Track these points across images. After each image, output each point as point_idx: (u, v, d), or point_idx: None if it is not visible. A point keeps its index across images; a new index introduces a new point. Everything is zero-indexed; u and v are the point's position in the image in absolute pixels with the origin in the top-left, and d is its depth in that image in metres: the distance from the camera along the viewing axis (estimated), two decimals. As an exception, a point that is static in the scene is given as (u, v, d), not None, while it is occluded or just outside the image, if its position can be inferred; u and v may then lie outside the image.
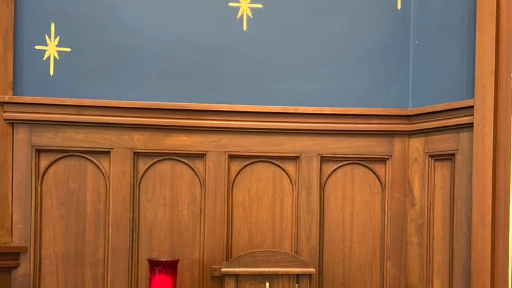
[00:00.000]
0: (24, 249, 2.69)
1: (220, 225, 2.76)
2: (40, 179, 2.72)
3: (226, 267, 2.55)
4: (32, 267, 2.70)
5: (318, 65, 2.80)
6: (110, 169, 2.74)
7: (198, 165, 2.77)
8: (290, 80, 2.79)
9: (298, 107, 2.76)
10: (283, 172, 2.80)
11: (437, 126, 2.68)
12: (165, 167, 2.77)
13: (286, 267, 2.55)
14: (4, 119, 2.67)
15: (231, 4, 2.78)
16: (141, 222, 2.76)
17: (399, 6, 2.82)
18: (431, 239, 2.72)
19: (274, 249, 2.71)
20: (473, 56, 2.50)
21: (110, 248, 2.73)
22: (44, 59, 2.71)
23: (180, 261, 2.65)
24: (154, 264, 2.53)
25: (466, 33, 2.56)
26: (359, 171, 2.83)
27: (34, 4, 2.70)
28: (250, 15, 2.78)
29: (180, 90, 2.76)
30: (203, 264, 2.76)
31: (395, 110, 2.78)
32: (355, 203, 2.83)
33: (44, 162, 2.73)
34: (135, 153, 2.75)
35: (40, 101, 2.68)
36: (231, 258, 2.75)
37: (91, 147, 2.73)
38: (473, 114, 2.50)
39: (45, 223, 2.73)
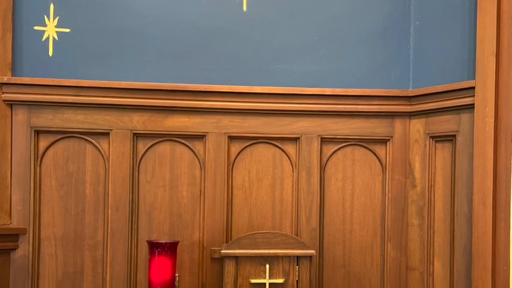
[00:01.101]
0: (23, 231, 2.68)
1: (220, 206, 2.75)
2: (39, 160, 2.71)
3: (226, 249, 2.54)
4: (31, 249, 2.69)
5: (318, 46, 2.78)
6: (109, 150, 2.73)
7: (197, 146, 2.76)
8: (290, 61, 2.78)
9: (299, 88, 2.75)
10: (283, 153, 2.79)
11: (438, 107, 2.67)
12: (165, 148, 2.76)
13: (286, 249, 2.54)
14: (3, 100, 2.66)
15: (231, -15, 2.78)
16: (141, 203, 2.75)
17: (400, -13, 2.81)
18: (432, 220, 2.71)
19: (274, 231, 2.69)
20: (474, 37, 2.49)
21: (109, 230, 2.72)
22: (43, 39, 2.70)
23: (179, 243, 2.63)
24: (153, 246, 2.52)
25: (467, 14, 2.55)
26: (359, 152, 2.82)
27: (33, -15, 2.70)
28: (250, -4, 2.78)
29: (180, 71, 2.75)
30: (203, 246, 2.75)
31: (396, 91, 2.77)
32: (355, 184, 2.82)
33: (43, 143, 2.72)
34: (134, 134, 2.74)
35: (39, 82, 2.67)
36: (230, 240, 2.74)
37: (90, 129, 2.72)
38: (474, 95, 2.49)
39: (44, 205, 2.72)
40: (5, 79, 2.65)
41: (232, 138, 2.77)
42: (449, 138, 2.66)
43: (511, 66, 2.40)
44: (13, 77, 2.67)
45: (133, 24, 2.73)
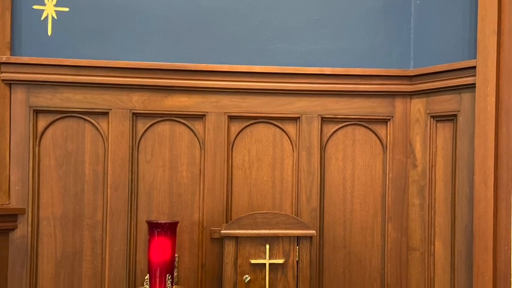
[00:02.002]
0: (22, 211, 2.67)
1: (220, 186, 2.74)
2: (38, 140, 2.70)
3: (226, 229, 2.52)
4: (29, 229, 2.67)
5: (319, 25, 2.77)
6: (109, 130, 2.71)
7: (197, 126, 2.75)
8: (290, 41, 2.77)
9: (299, 68, 2.74)
10: (283, 133, 2.78)
11: (439, 86, 2.66)
12: (164, 128, 2.75)
13: (286, 229, 2.52)
14: (1, 80, 2.65)
15: (231, -37, 2.76)
16: (140, 183, 2.74)
17: (400, -35, 2.80)
18: (432, 200, 2.70)
19: (275, 211, 2.68)
20: (476, 16, 2.48)
21: (108, 210, 2.71)
22: (41, 18, 2.68)
23: (179, 223, 2.62)
24: (153, 226, 2.51)
25: (468, -7, 2.54)
26: (360, 132, 2.81)
27: (32, -37, 2.68)
28: (250, -26, 2.77)
29: (179, 50, 2.73)
30: (203, 226, 2.74)
31: (396, 71, 2.76)
32: (356, 164, 2.81)
33: (42, 123, 2.70)
34: (134, 114, 2.72)
35: (38, 61, 2.65)
36: (230, 220, 2.73)
37: (89, 108, 2.71)
38: (475, 75, 2.48)
39: (43, 185, 2.70)
40: (4, 58, 2.63)
41: (232, 117, 2.76)
42: (450, 117, 2.65)
43: (512, 45, 2.40)
44: (12, 57, 2.65)
45: (133, 3, 2.72)
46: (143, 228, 2.71)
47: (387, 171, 2.79)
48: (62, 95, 2.69)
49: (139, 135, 2.74)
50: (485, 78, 2.44)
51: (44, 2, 2.68)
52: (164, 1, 2.72)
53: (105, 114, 2.71)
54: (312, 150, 2.76)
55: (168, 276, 2.49)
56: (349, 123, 2.80)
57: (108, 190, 2.71)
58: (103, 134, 2.72)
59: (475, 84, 2.49)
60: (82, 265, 2.72)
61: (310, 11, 2.77)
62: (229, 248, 2.52)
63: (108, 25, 2.71)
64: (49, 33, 2.68)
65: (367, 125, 2.80)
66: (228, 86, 2.72)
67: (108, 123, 2.71)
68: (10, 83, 2.67)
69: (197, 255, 2.75)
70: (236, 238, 2.52)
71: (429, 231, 2.71)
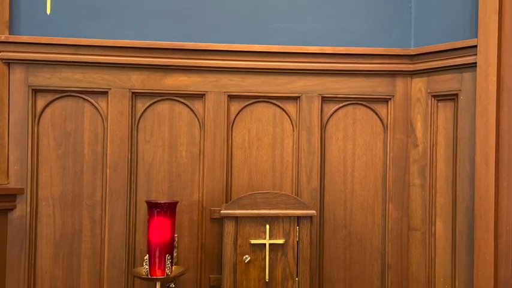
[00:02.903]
0: (21, 191, 2.66)
1: (220, 166, 2.72)
2: (37, 119, 2.68)
3: (225, 209, 2.51)
4: (28, 209, 2.66)
5: (319, 4, 2.76)
6: (108, 110, 2.70)
7: (197, 105, 2.74)
8: (291, 20, 2.75)
9: (299, 47, 2.72)
10: (283, 112, 2.77)
11: (440, 66, 2.65)
12: (164, 107, 2.74)
13: (286, 209, 2.50)
14: (0, 59, 2.63)
15: None
16: (139, 163, 2.73)
17: None
18: (433, 180, 2.69)
19: (275, 191, 2.66)
20: (477, -5, 2.47)
21: (107, 190, 2.69)
22: (40, -3, 2.67)
23: (178, 203, 2.61)
24: (152, 206, 2.50)
25: (469, -29, 2.53)
26: (360, 111, 2.79)
27: None
28: (250, -48, 2.75)
29: (179, 29, 2.72)
30: (202, 206, 2.73)
31: (397, 50, 2.75)
32: (356, 144, 2.80)
33: (41, 102, 2.69)
34: (133, 93, 2.71)
35: (37, 40, 2.64)
36: (230, 200, 2.72)
37: (88, 88, 2.69)
38: (476, 54, 2.47)
39: (42, 164, 2.69)
40: (3, 37, 2.62)
41: (231, 97, 2.74)
42: (451, 97, 2.64)
43: (514, 24, 2.39)
44: (11, 36, 2.64)
45: (132, -18, 2.71)
46: (142, 208, 2.70)
47: (388, 151, 2.78)
48: (60, 75, 2.68)
49: (139, 115, 2.72)
50: (487, 58, 2.43)
51: (42, -20, 2.67)
52: (164, -20, 2.72)
53: (104, 93, 2.70)
54: (312, 129, 2.75)
55: (167, 257, 2.48)
56: (349, 102, 2.78)
57: (108, 170, 2.69)
58: (102, 114, 2.71)
59: (476, 63, 2.48)
60: (81, 245, 2.71)
61: (311, -10, 2.76)
62: (229, 228, 2.50)
63: (108, 4, 2.70)
64: (48, 12, 2.63)
65: (367, 104, 2.78)
66: (228, 65, 2.71)
67: (108, 102, 2.70)
68: (9, 63, 2.65)
69: (197, 236, 2.74)
70: (236, 218, 2.50)
71: (430, 211, 2.70)
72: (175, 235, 2.63)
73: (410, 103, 2.76)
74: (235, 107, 2.75)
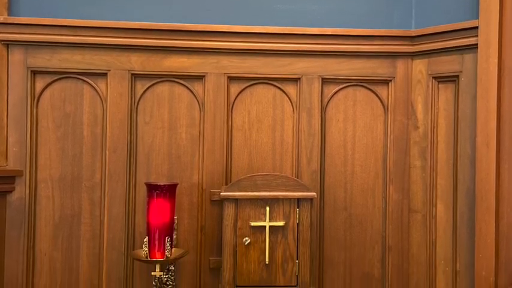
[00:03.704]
0: (20, 173, 2.64)
1: (220, 148, 2.71)
2: (36, 101, 2.67)
3: (225, 191, 2.49)
4: (27, 191, 2.65)
5: (320, -15, 2.75)
6: (107, 91, 2.69)
7: (196, 87, 2.72)
8: (291, 1, 2.74)
9: (299, 28, 2.71)
10: (283, 94, 2.75)
11: (440, 47, 2.64)
12: (163, 89, 2.72)
13: (286, 191, 2.49)
14: (-1, 40, 2.63)
15: None
16: (139, 145, 2.71)
17: None
18: (434, 162, 2.68)
19: (275, 173, 2.65)
20: (478, -24, 2.46)
21: (107, 172, 2.68)
22: (39, -22, 2.66)
23: (178, 185, 2.60)
24: (152, 188, 2.49)
25: (471, -49, 2.51)
26: (361, 93, 2.78)
27: None
28: None
29: (178, 10, 2.71)
30: (202, 188, 2.72)
31: (398, 31, 2.73)
32: (357, 125, 2.78)
33: (40, 84, 2.68)
34: (132, 74, 2.70)
35: (36, 21, 2.62)
36: (230, 182, 2.71)
37: (88, 69, 2.68)
38: (477, 35, 2.46)
39: (41, 146, 2.68)
40: (2, 19, 2.61)
41: (231, 78, 2.73)
42: (452, 78, 2.63)
43: (515, 5, 2.38)
44: (9, 17, 2.63)
45: (130, -38, 2.70)
46: (142, 190, 2.68)
47: (388, 133, 2.76)
48: (60, 56, 2.66)
49: (138, 97, 2.71)
50: (488, 39, 2.42)
51: (41, -39, 2.66)
52: (163, -40, 2.70)
53: (103, 75, 2.69)
54: (313, 111, 2.73)
55: (167, 239, 2.47)
56: (350, 84, 2.77)
57: (107, 152, 2.68)
58: (101, 95, 2.69)
59: (477, 45, 2.46)
60: (80, 227, 2.69)
61: (311, -30, 2.75)
62: (229, 210, 2.48)
63: (107, -15, 2.69)
64: (47, -7, 2.66)
65: (368, 86, 2.77)
66: (228, 46, 2.69)
67: (107, 84, 2.69)
68: (7, 44, 2.64)
69: (196, 218, 2.73)
70: (236, 200, 2.48)
71: (431, 193, 2.69)
72: (175, 217, 2.63)
73: (411, 85, 2.75)
74: (235, 88, 2.74)
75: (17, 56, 2.65)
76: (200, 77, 2.72)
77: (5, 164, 2.64)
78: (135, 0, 2.69)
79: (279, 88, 2.75)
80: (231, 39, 2.69)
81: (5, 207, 2.64)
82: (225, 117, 2.71)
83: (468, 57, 2.56)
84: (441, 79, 2.67)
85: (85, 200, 2.70)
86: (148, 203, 2.49)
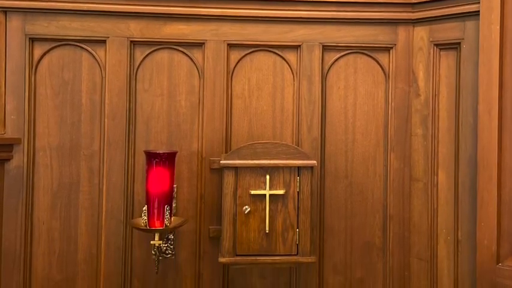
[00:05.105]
0: (18, 141, 2.62)
1: (219, 116, 2.69)
2: (34, 68, 2.65)
3: (225, 159, 2.47)
4: (25, 159, 2.63)
5: (320, -49, 2.72)
6: (106, 58, 2.66)
7: (196, 54, 2.70)
8: (291, -33, 2.72)
9: (300, -5, 2.69)
10: (283, 61, 2.73)
11: (442, 14, 2.62)
12: (163, 56, 2.70)
13: (287, 159, 2.46)
14: (-3, 7, 2.60)
15: None
16: (138, 113, 2.69)
17: None
18: (436, 130, 2.66)
19: (275, 141, 2.63)
20: None
21: (105, 140, 2.66)
22: None
23: (178, 153, 2.58)
24: (151, 156, 2.47)
25: None
26: (362, 60, 2.75)
27: None
28: None
29: (178, -24, 2.69)
30: (202, 156, 2.69)
31: (399, -3, 2.72)
32: (357, 93, 2.76)
33: (38, 51, 2.65)
34: (131, 42, 2.67)
35: (34, -13, 2.61)
36: (230, 150, 2.68)
37: (86, 36, 2.66)
38: (479, 2, 2.44)
39: (39, 114, 2.66)
40: (0, -15, 2.59)
41: (231, 46, 2.70)
42: (453, 46, 2.61)
43: (517, -29, 2.36)
44: (8, -17, 2.61)
45: None
46: (141, 158, 2.66)
47: (389, 101, 2.74)
48: (58, 23, 2.64)
49: (137, 64, 2.68)
50: (490, 6, 2.40)
51: None
52: None
53: (102, 42, 2.66)
54: (313, 79, 2.71)
55: (166, 207, 2.45)
56: (350, 51, 2.74)
57: (106, 119, 2.66)
58: (100, 63, 2.67)
59: (479, 11, 2.44)
60: (79, 196, 2.67)
61: None
62: (229, 178, 2.46)
63: (106, -49, 2.66)
64: (45, -41, 2.63)
65: (369, 53, 2.74)
66: (228, 13, 2.67)
67: (106, 51, 2.66)
68: (5, 11, 2.61)
69: (196, 186, 2.70)
70: (236, 168, 2.46)
71: (432, 161, 2.67)
72: (174, 186, 2.62)
73: (412, 52, 2.73)
74: (235, 55, 2.71)
75: (15, 22, 2.62)
76: (200, 44, 2.69)
77: (2, 132, 2.62)
78: (134, -33, 2.67)
79: (279, 55, 2.72)
80: (231, 6, 2.66)
81: (2, 175, 2.61)
82: (225, 85, 2.69)
83: (470, 24, 2.54)
84: (443, 46, 2.64)
85: (83, 168, 2.67)
86: (147, 172, 2.47)
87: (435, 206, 2.66)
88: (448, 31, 2.61)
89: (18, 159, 2.62)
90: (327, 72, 2.74)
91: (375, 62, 2.75)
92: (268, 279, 2.73)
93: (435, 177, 2.66)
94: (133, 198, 2.68)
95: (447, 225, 2.63)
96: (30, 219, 2.64)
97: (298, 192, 2.47)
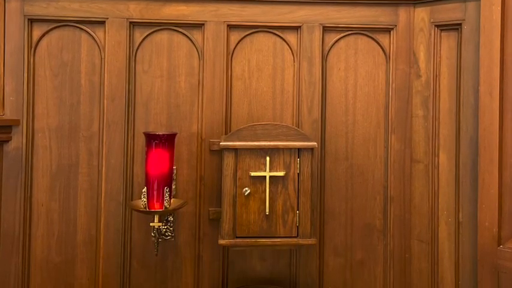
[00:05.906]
0: (16, 122, 2.61)
1: (219, 97, 2.67)
2: (33, 50, 2.64)
3: (225, 140, 2.46)
4: (24, 140, 2.62)
5: None
6: (105, 39, 2.65)
7: (196, 35, 2.69)
8: None
9: (300, -25, 2.67)
10: (284, 43, 2.71)
11: (443, -5, 2.61)
12: (162, 37, 2.69)
13: (287, 140, 2.45)
14: (-5, -12, 2.59)
15: None
16: (137, 94, 2.68)
17: None
18: (437, 111, 2.65)
19: (275, 123, 2.60)
20: None
21: (105, 121, 2.65)
22: None
23: (177, 135, 2.58)
24: (151, 138, 2.46)
25: None
26: (362, 41, 2.74)
27: None
28: None
29: (177, -43, 2.67)
30: (201, 137, 2.68)
31: (400, -22, 2.70)
32: (358, 74, 2.74)
33: (37, 32, 2.64)
34: (131, 23, 2.66)
35: (33, -33, 2.59)
36: (230, 131, 2.67)
37: (85, 17, 2.64)
38: (480, -17, 2.43)
39: (38, 95, 2.65)
40: (-3, -35, 2.58)
41: (231, 27, 2.69)
42: (455, 27, 2.60)
43: (518, -49, 2.34)
44: (6, -36, 2.60)
45: None
46: (141, 140, 2.65)
47: (390, 82, 2.72)
48: (57, 4, 2.63)
49: (137, 45, 2.67)
50: (491, -14, 2.39)
51: None
52: None
53: (101, 23, 2.65)
54: (313, 60, 2.70)
55: (166, 189, 2.44)
56: (351, 32, 2.72)
57: (105, 101, 2.65)
58: (99, 44, 2.66)
59: (480, -8, 2.43)
60: (78, 177, 2.66)
61: None
62: (229, 160, 2.45)
63: None
64: None
65: (369, 34, 2.72)
66: (227, -6, 2.66)
67: (105, 32, 2.65)
68: (4, -9, 2.61)
69: (196, 168, 2.69)
70: (235, 150, 2.45)
71: (433, 143, 2.65)
72: (174, 167, 2.60)
73: (413, 33, 2.71)
74: (234, 36, 2.70)
75: (13, 3, 2.61)
76: (199, 25, 2.68)
77: (1, 114, 2.61)
78: None
79: (280, 36, 2.71)
80: (231, -14, 2.66)
81: (1, 157, 2.60)
82: (225, 66, 2.67)
83: (471, 5, 2.53)
84: (444, 27, 2.63)
85: (83, 150, 2.66)
86: (147, 153, 2.46)
87: (436, 188, 2.64)
88: (449, 12, 2.60)
89: (17, 141, 2.61)
90: (327, 54, 2.72)
91: (375, 43, 2.73)
92: (268, 262, 2.72)
93: (436, 158, 2.64)
94: (132, 180, 2.67)
95: (448, 207, 2.62)
96: (29, 201, 2.64)
97: (298, 174, 2.46)
